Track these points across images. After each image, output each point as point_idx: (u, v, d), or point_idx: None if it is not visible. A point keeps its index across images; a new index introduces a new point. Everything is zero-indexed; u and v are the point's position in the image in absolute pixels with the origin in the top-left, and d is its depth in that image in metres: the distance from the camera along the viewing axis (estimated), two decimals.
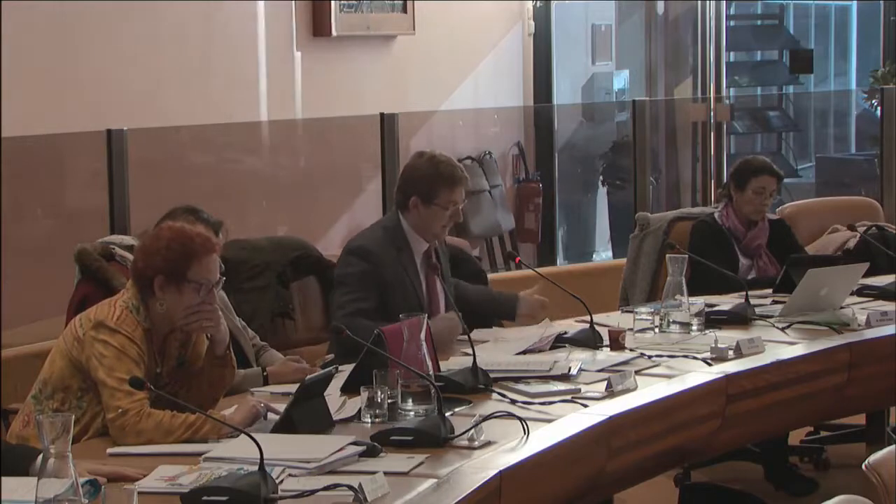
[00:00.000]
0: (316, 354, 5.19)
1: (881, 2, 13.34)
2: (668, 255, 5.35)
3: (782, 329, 5.37)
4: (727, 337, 5.06)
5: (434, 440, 3.80)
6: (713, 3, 11.06)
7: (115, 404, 3.92)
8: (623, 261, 6.98)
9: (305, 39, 8.82)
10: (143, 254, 4.16)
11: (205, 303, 4.09)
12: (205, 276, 4.10)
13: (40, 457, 3.03)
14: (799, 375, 4.99)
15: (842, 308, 5.62)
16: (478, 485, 3.50)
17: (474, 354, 4.49)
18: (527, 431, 3.92)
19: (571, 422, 4.12)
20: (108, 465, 3.55)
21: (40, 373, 4.15)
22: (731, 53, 12.73)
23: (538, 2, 10.77)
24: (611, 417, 4.18)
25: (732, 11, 13.16)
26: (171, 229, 4.17)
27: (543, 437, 3.94)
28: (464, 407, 4.23)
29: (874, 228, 6.90)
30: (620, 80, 11.86)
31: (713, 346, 4.94)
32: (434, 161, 5.26)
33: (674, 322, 5.22)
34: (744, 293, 5.65)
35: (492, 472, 3.59)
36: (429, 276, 5.30)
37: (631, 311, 5.49)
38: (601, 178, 11.18)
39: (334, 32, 8.82)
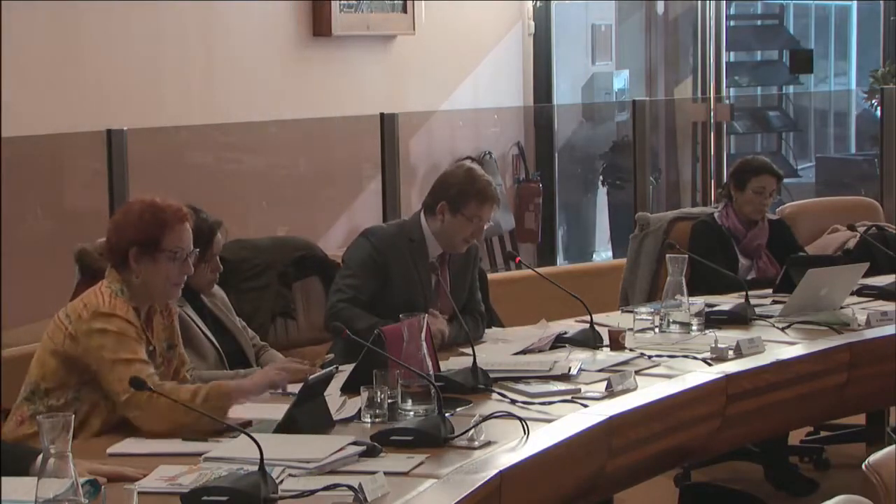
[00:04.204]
0: (317, 354, 5.18)
1: (881, 2, 13.34)
2: (668, 255, 5.35)
3: (782, 329, 5.37)
4: (727, 337, 5.06)
5: (434, 440, 3.80)
6: (713, 3, 11.05)
7: (127, 386, 3.88)
8: (623, 261, 6.98)
9: (305, 39, 8.82)
10: (115, 228, 4.15)
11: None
12: (178, 244, 4.10)
13: (40, 457, 3.03)
14: (799, 375, 4.99)
15: (842, 308, 5.62)
16: (478, 485, 3.50)
17: (474, 354, 4.49)
18: (527, 431, 3.92)
19: (571, 422, 4.12)
20: (108, 465, 3.55)
21: (28, 375, 4.10)
22: (731, 53, 12.71)
23: (538, 2, 10.76)
24: (611, 417, 4.18)
25: (732, 11, 13.16)
26: (141, 202, 4.15)
27: (543, 437, 3.94)
28: (464, 407, 4.23)
29: (874, 228, 6.90)
30: (620, 80, 11.85)
31: (713, 346, 4.93)
32: (471, 173, 5.25)
33: (674, 322, 5.22)
34: (744, 293, 5.65)
35: (492, 472, 3.59)
36: (439, 281, 5.28)
37: (631, 311, 5.49)
38: (601, 178, 11.17)
39: (334, 32, 8.81)
